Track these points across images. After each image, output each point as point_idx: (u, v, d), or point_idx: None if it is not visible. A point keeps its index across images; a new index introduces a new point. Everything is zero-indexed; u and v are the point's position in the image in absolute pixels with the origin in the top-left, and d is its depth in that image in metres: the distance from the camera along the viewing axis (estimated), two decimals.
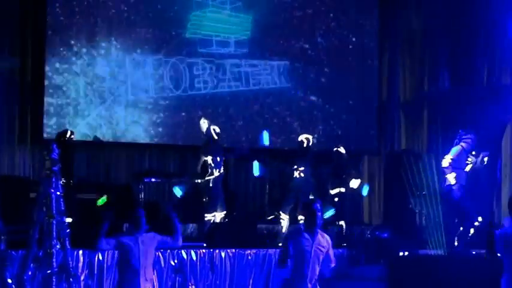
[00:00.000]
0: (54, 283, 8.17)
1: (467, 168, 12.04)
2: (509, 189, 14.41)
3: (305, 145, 13.24)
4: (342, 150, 13.54)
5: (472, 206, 12.06)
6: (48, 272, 8.17)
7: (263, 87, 15.54)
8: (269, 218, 13.79)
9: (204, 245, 11.69)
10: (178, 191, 12.89)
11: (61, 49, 14.28)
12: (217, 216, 12.73)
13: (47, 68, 14.11)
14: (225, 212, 12.86)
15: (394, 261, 11.82)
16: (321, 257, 7.86)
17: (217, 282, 11.30)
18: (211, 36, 15.24)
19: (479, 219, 11.92)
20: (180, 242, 8.87)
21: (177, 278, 11.08)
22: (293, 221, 12.92)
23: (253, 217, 13.77)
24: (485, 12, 14.79)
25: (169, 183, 13.85)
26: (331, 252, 7.96)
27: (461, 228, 11.90)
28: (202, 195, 13.01)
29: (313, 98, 15.77)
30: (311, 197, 12.42)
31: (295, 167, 13.01)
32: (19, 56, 14.04)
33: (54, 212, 8.15)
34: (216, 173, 12.77)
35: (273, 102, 15.56)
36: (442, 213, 12.59)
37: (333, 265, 7.98)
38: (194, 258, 11.17)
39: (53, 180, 8.21)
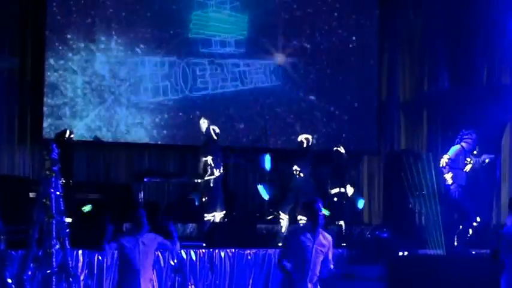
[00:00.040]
0: (53, 283, 8.17)
1: (467, 169, 12.03)
2: (508, 189, 14.42)
3: (305, 145, 13.24)
4: (342, 150, 13.54)
5: (471, 206, 12.07)
6: (48, 271, 8.17)
7: (263, 87, 15.54)
8: (269, 217, 13.79)
9: (204, 244, 11.69)
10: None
11: (60, 48, 14.27)
12: (217, 216, 12.73)
13: (46, 68, 14.11)
14: (224, 212, 12.86)
15: (393, 261, 11.83)
16: (321, 257, 7.84)
17: (217, 282, 11.30)
18: (211, 36, 15.24)
19: (478, 219, 11.94)
20: (178, 249, 8.88)
21: (177, 278, 11.07)
22: (293, 221, 12.92)
23: (253, 217, 13.76)
24: (485, 12, 14.80)
25: (169, 183, 13.86)
26: (330, 253, 7.93)
27: (460, 227, 11.91)
28: (201, 195, 13.00)
29: (313, 97, 15.77)
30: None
31: (295, 167, 13.01)
32: (19, 55, 14.05)
33: (53, 211, 8.15)
34: (217, 173, 12.77)
35: (273, 102, 15.56)
36: (441, 213, 12.60)
37: (331, 266, 7.95)
38: (194, 258, 11.17)
39: (53, 180, 8.21)
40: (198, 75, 15.11)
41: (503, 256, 8.61)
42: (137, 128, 14.76)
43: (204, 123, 13.14)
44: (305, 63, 15.77)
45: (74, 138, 12.87)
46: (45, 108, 14.10)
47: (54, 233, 8.14)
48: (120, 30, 14.69)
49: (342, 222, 13.12)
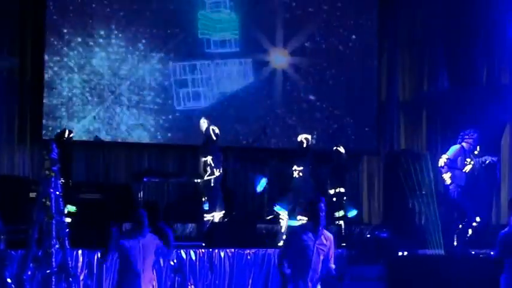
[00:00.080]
0: (53, 283, 8.16)
1: (466, 169, 12.01)
2: (508, 189, 14.42)
3: (305, 145, 13.23)
4: (342, 149, 13.54)
5: (471, 206, 12.06)
6: (48, 271, 8.16)
7: (263, 87, 15.54)
8: (268, 217, 13.79)
9: (203, 244, 11.69)
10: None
11: (59, 47, 14.22)
12: (216, 216, 12.73)
13: (45, 68, 14.09)
14: (223, 212, 12.86)
15: (393, 261, 11.83)
16: (322, 256, 7.82)
17: (217, 282, 11.30)
18: (211, 35, 15.22)
19: (478, 219, 11.93)
20: (172, 257, 8.85)
21: (177, 278, 11.07)
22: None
23: (253, 217, 13.76)
24: (484, 13, 14.80)
25: (168, 183, 13.86)
26: (331, 252, 7.91)
27: (460, 226, 11.91)
28: (201, 195, 13.00)
29: (312, 97, 15.77)
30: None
31: (295, 167, 13.01)
32: (18, 55, 14.04)
33: (53, 211, 8.15)
34: (217, 173, 12.77)
35: (272, 102, 15.56)
36: (440, 213, 12.61)
37: (332, 266, 7.93)
38: (193, 258, 11.17)
39: (52, 180, 8.21)
40: (197, 75, 15.09)
41: (502, 256, 8.61)
42: (139, 129, 14.70)
43: (204, 123, 13.14)
44: (305, 63, 15.77)
45: (75, 138, 12.86)
46: (44, 108, 14.07)
47: (53, 232, 8.14)
48: (119, 30, 14.66)
49: (341, 222, 13.12)
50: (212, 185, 12.74)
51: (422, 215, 13.58)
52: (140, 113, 14.76)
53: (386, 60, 16.45)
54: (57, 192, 8.23)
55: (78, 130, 14.06)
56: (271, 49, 15.55)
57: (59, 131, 13.10)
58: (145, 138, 14.80)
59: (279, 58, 15.61)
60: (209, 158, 12.78)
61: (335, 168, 13.41)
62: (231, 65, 15.34)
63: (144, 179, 13.30)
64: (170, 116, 14.95)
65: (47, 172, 8.19)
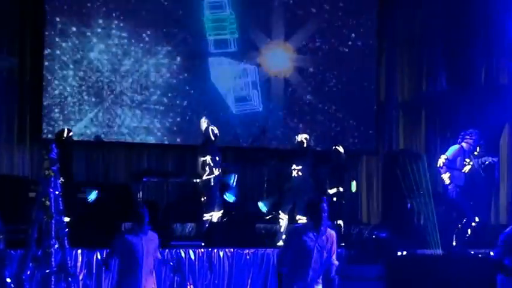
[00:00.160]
0: (52, 282, 8.19)
1: (465, 170, 12.01)
2: (507, 189, 14.43)
3: (305, 145, 13.24)
4: (341, 149, 13.54)
5: (469, 206, 12.07)
6: (47, 271, 8.19)
7: (262, 87, 15.54)
8: (267, 217, 13.80)
9: (202, 244, 11.69)
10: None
11: (58, 46, 14.11)
12: (214, 216, 12.74)
13: (45, 68, 14.07)
14: (222, 212, 12.87)
15: (392, 261, 11.84)
16: (324, 256, 7.77)
17: (216, 281, 11.31)
18: (211, 35, 15.21)
19: (477, 219, 11.95)
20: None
21: (176, 278, 11.07)
22: (292, 220, 12.92)
23: (252, 217, 13.77)
24: (483, 13, 14.82)
25: (168, 183, 13.86)
26: (334, 247, 7.79)
27: (459, 226, 11.92)
28: (200, 195, 13.01)
29: (312, 97, 15.78)
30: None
31: (294, 166, 13.02)
32: (18, 55, 14.03)
33: (53, 211, 8.17)
34: (216, 172, 12.79)
35: (272, 102, 15.56)
36: (438, 213, 12.62)
37: (335, 263, 7.88)
38: (192, 257, 11.18)
39: (52, 179, 8.22)
40: (197, 75, 15.07)
41: (503, 256, 8.62)
42: (143, 133, 14.56)
43: (204, 123, 13.15)
44: (304, 63, 15.77)
45: (74, 137, 12.86)
46: (44, 108, 14.05)
47: (53, 232, 8.16)
48: (118, 29, 14.61)
49: (340, 222, 13.13)
50: (212, 184, 12.76)
51: (421, 214, 13.59)
52: (144, 115, 14.66)
53: (385, 61, 16.45)
54: (57, 192, 8.26)
55: (82, 126, 13.99)
56: (270, 48, 15.55)
57: (58, 130, 13.08)
58: (146, 138, 14.68)
59: (278, 58, 15.61)
60: (208, 158, 12.79)
61: (334, 168, 13.42)
62: (230, 65, 15.31)
63: (144, 179, 13.32)
64: (178, 119, 14.83)
65: (46, 172, 8.21)
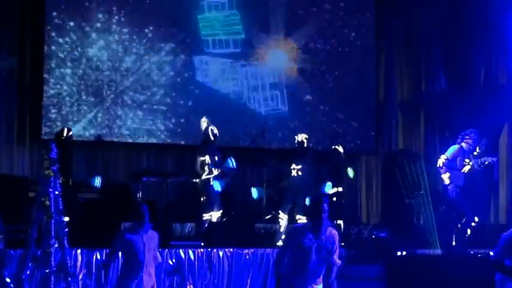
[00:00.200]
0: (52, 282, 8.19)
1: (465, 170, 12.02)
2: (506, 189, 14.44)
3: (305, 145, 13.24)
4: (340, 149, 13.55)
5: (469, 206, 12.08)
6: (47, 271, 8.19)
7: (262, 87, 15.54)
8: (267, 217, 13.80)
9: (202, 244, 11.70)
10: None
11: (55, 43, 14.07)
12: (214, 215, 12.74)
13: (45, 68, 14.06)
14: (221, 212, 12.88)
15: (391, 261, 11.84)
16: (324, 256, 7.74)
17: (215, 281, 11.31)
18: (211, 35, 15.20)
19: (476, 219, 11.95)
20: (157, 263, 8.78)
21: (175, 278, 11.08)
22: (292, 220, 12.93)
23: (251, 216, 13.78)
24: (482, 13, 14.82)
25: (167, 183, 13.86)
26: (335, 247, 7.76)
27: (458, 226, 11.93)
28: (199, 195, 13.02)
29: (310, 97, 15.78)
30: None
31: (293, 166, 13.02)
32: (18, 55, 14.04)
33: (52, 211, 8.17)
34: (215, 172, 12.79)
35: (272, 102, 15.56)
36: (438, 213, 12.62)
37: (337, 262, 7.85)
38: (192, 257, 11.17)
39: (52, 179, 8.23)
40: (198, 75, 15.06)
41: (503, 258, 8.61)
42: (144, 135, 14.53)
43: (204, 123, 13.15)
44: (303, 63, 15.78)
45: (74, 137, 12.86)
46: (43, 108, 14.04)
47: (52, 232, 8.16)
48: (118, 28, 14.61)
49: (340, 222, 13.13)
50: (211, 184, 12.76)
51: (420, 214, 13.60)
52: (146, 115, 14.65)
53: (384, 61, 16.47)
54: (56, 192, 8.26)
55: (82, 126, 13.96)
56: (269, 48, 15.55)
57: (58, 130, 13.09)
58: (147, 137, 14.64)
59: (278, 58, 15.61)
60: (207, 158, 12.80)
61: (333, 167, 13.43)
62: (230, 65, 15.31)
63: (143, 179, 13.32)
64: (182, 120, 14.80)
65: (46, 172, 8.21)
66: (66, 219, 8.55)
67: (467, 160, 12.04)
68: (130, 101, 14.50)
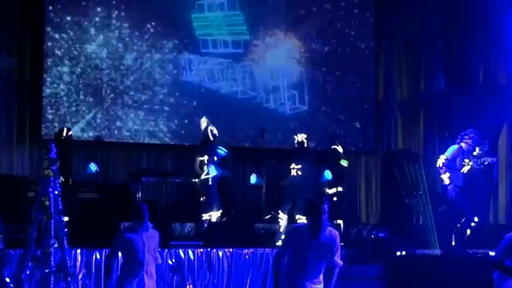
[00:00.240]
0: (52, 282, 8.20)
1: (464, 170, 12.02)
2: (506, 189, 14.44)
3: (305, 145, 13.24)
4: (340, 149, 13.56)
5: (468, 206, 12.08)
6: (46, 271, 8.20)
7: (262, 87, 15.54)
8: (267, 217, 13.80)
9: (202, 244, 11.70)
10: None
11: (52, 39, 14.04)
12: (213, 215, 12.75)
13: (44, 68, 14.05)
14: (221, 212, 12.88)
15: (391, 261, 11.85)
16: (324, 256, 7.72)
17: (215, 281, 11.31)
18: (211, 35, 15.19)
19: (476, 219, 11.96)
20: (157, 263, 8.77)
21: (175, 278, 11.08)
22: (291, 220, 12.93)
23: (251, 216, 13.78)
24: (481, 12, 14.82)
25: (167, 183, 13.86)
26: (336, 247, 7.74)
27: (458, 226, 11.93)
28: (199, 195, 13.02)
29: (310, 97, 15.78)
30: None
31: (293, 165, 13.02)
32: (17, 55, 14.04)
33: (52, 211, 8.17)
34: (215, 172, 12.79)
35: (272, 102, 15.56)
36: (438, 213, 12.62)
37: (339, 263, 7.83)
38: (192, 257, 11.18)
39: (51, 179, 8.23)
40: (197, 75, 15.04)
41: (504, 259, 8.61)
42: (146, 136, 14.50)
43: (204, 122, 13.15)
44: (303, 63, 15.78)
45: (74, 137, 12.86)
46: (43, 108, 14.03)
47: (52, 232, 8.17)
48: (117, 27, 14.60)
49: (340, 222, 13.13)
50: (210, 184, 12.76)
51: (420, 214, 13.60)
52: (147, 116, 14.62)
53: (383, 61, 16.47)
54: (56, 192, 8.26)
55: (82, 125, 13.93)
56: (269, 48, 15.55)
57: (57, 129, 13.09)
58: (147, 138, 14.62)
59: (278, 57, 15.61)
60: (206, 158, 12.80)
61: (333, 167, 13.43)
62: (230, 65, 15.29)
63: (143, 179, 13.31)
64: (186, 120, 14.77)
65: (45, 172, 8.22)
66: (66, 219, 8.57)
67: (466, 160, 12.05)
68: (130, 101, 14.46)
